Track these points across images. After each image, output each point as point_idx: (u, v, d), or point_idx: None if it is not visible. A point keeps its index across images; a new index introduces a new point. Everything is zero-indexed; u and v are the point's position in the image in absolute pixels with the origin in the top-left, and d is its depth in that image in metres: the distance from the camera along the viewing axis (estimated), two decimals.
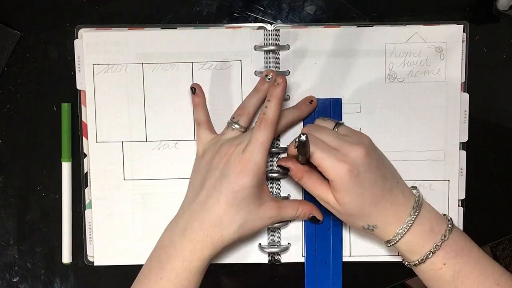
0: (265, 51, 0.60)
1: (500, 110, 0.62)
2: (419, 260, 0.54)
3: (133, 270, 0.63)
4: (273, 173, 0.61)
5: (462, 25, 0.60)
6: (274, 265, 0.63)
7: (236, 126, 0.57)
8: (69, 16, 0.62)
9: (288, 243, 0.62)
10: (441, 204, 0.62)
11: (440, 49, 0.60)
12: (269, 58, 0.61)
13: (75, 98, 0.62)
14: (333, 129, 0.57)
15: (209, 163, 0.56)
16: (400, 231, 0.54)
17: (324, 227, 0.61)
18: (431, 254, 0.54)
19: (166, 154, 0.62)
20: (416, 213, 0.54)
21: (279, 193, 0.62)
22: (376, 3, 0.61)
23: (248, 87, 0.61)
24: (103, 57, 0.61)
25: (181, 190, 0.62)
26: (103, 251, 0.63)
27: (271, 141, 0.55)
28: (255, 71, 0.61)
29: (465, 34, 0.61)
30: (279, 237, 0.63)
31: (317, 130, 0.56)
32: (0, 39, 0.61)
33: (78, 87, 0.61)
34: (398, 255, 0.59)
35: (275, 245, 0.62)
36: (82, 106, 0.62)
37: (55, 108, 0.62)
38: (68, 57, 0.62)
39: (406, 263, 0.57)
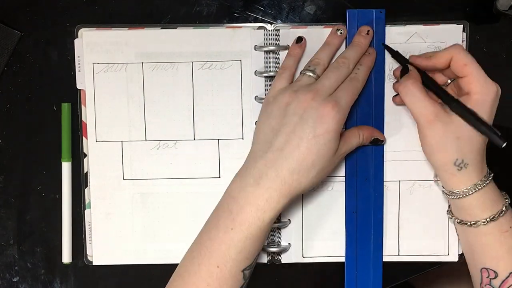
0: (265, 51, 0.60)
1: (500, 110, 0.62)
2: (490, 218, 0.54)
3: (133, 270, 0.63)
4: None
5: (462, 25, 0.60)
6: (274, 265, 0.63)
7: (312, 74, 0.56)
8: (69, 16, 0.62)
9: (288, 243, 0.62)
10: (441, 204, 0.62)
11: (440, 49, 0.60)
12: (269, 58, 0.61)
13: (75, 98, 0.62)
14: None
15: (284, 109, 0.54)
16: (483, 179, 0.55)
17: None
18: (503, 213, 0.55)
19: (165, 154, 0.62)
20: (492, 172, 0.56)
21: None
22: (376, 3, 0.61)
23: (248, 87, 0.61)
24: (103, 57, 0.61)
25: (180, 190, 0.62)
26: (102, 251, 0.63)
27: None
28: (255, 71, 0.61)
29: (465, 34, 0.60)
30: (279, 237, 0.63)
31: None
32: (0, 39, 0.61)
33: (78, 86, 0.61)
34: (450, 214, 0.59)
35: (275, 245, 0.62)
36: (82, 106, 0.62)
37: (55, 108, 0.62)
38: (68, 57, 0.62)
39: (465, 222, 0.56)
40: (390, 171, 0.61)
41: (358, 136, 0.58)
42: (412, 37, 0.60)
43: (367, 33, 0.58)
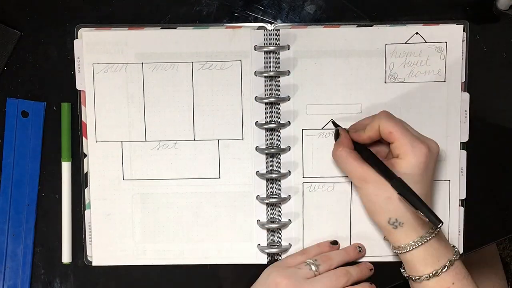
0: (265, 51, 0.60)
1: (500, 110, 0.62)
2: (432, 273, 0.54)
3: (132, 270, 0.63)
4: (273, 173, 0.61)
5: (462, 25, 0.60)
6: None
7: (315, 269, 0.58)
8: (69, 16, 0.62)
9: (289, 244, 0.62)
10: (442, 204, 0.62)
11: (440, 49, 0.60)
12: (269, 58, 0.61)
13: (75, 98, 0.62)
14: None
15: None
16: (425, 236, 0.54)
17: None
18: (446, 268, 0.54)
19: (165, 154, 0.62)
20: (439, 227, 0.54)
21: (279, 193, 0.62)
22: (376, 3, 0.61)
23: (248, 87, 0.61)
24: (103, 57, 0.61)
25: (180, 190, 0.62)
26: (102, 252, 0.63)
27: None
28: (255, 71, 0.61)
29: (465, 33, 0.60)
30: (280, 238, 0.63)
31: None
32: (0, 39, 0.61)
33: (78, 87, 0.61)
34: (402, 269, 0.58)
35: (275, 246, 0.62)
36: (82, 106, 0.62)
37: (55, 108, 0.62)
38: (68, 57, 0.62)
39: (411, 277, 0.56)
40: None
41: None
42: (412, 37, 0.60)
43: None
